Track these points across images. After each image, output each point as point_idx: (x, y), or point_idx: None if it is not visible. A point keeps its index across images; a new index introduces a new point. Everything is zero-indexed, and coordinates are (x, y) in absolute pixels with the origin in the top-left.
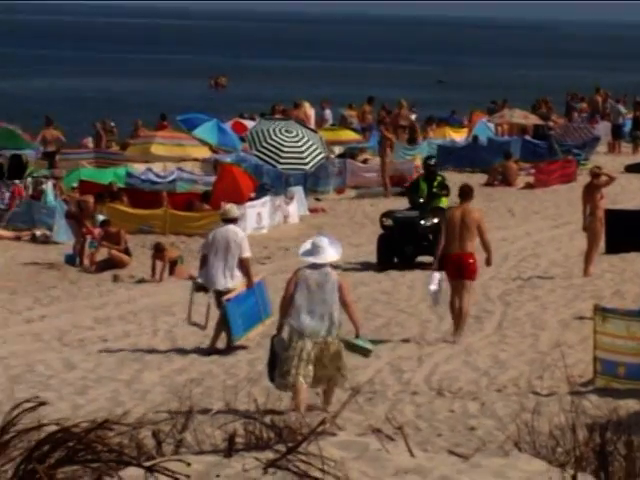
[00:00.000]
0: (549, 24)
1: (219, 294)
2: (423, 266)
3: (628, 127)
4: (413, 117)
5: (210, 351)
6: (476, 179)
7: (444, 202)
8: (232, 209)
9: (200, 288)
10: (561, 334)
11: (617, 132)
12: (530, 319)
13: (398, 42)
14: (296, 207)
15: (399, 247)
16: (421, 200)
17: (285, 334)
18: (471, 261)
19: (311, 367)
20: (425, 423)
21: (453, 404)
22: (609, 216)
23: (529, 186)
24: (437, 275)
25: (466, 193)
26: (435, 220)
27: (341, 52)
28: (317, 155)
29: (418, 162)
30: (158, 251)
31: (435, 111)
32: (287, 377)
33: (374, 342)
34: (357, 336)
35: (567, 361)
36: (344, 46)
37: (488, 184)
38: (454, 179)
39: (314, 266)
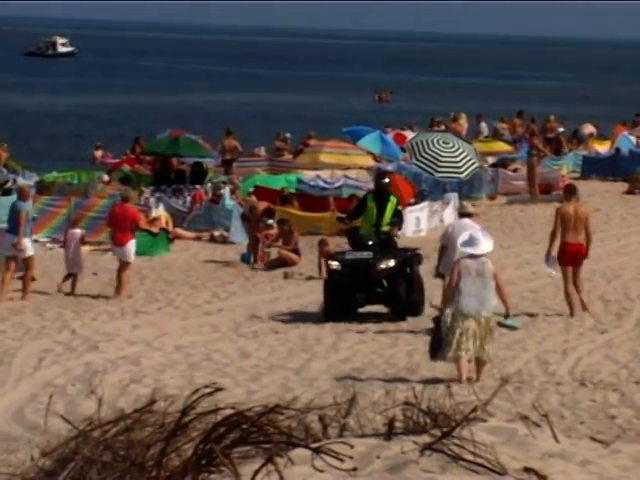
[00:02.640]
0: None
1: None
2: (377, 317)
3: None
4: (561, 130)
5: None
6: (617, 187)
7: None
8: (468, 205)
9: (439, 275)
10: None
11: None
12: None
13: (553, 60)
14: (452, 212)
15: (349, 295)
16: (368, 240)
17: (448, 317)
18: (583, 250)
19: (471, 343)
20: (569, 411)
21: (595, 394)
22: None
23: None
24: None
25: (573, 190)
26: (391, 263)
27: (497, 70)
28: (472, 164)
29: (564, 172)
30: (322, 245)
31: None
32: (452, 352)
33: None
34: (507, 316)
35: None
36: (501, 64)
37: (629, 192)
38: (597, 187)
39: (472, 256)
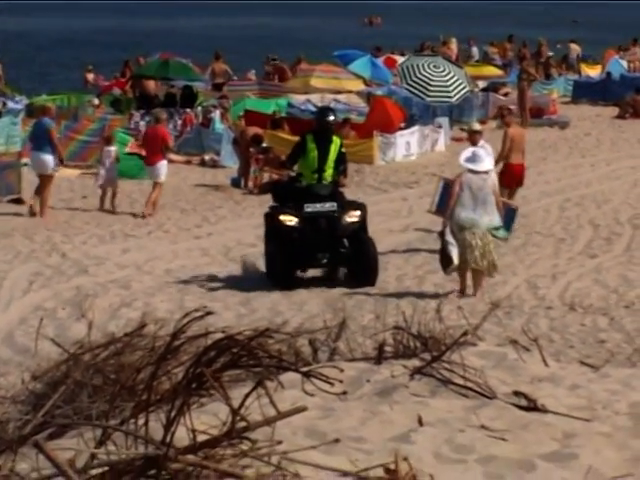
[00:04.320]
0: None
1: None
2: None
3: None
4: (550, 54)
5: None
6: (608, 112)
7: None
8: (476, 124)
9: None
10: None
11: None
12: None
13: None
14: (443, 136)
15: (308, 256)
16: (321, 189)
17: (449, 230)
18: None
19: (474, 254)
20: (558, 336)
21: (584, 319)
22: None
23: None
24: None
25: (511, 112)
26: (357, 216)
27: None
28: (462, 89)
29: (555, 96)
30: (268, 152)
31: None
32: (454, 264)
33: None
34: (499, 228)
35: None
36: None
37: (619, 117)
38: (589, 112)
39: (473, 172)
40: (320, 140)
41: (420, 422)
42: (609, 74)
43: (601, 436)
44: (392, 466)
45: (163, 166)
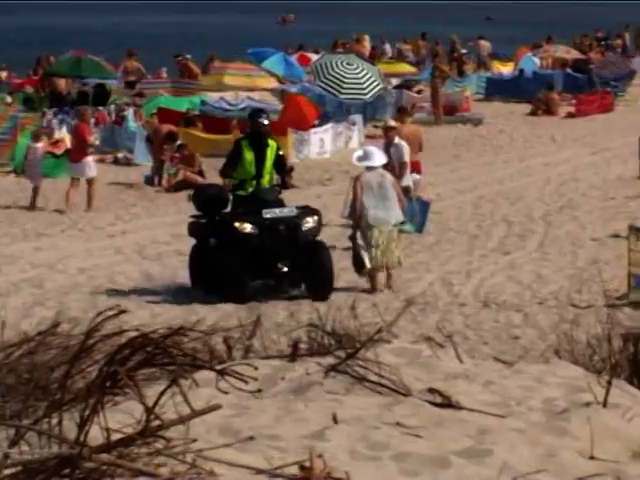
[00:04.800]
0: None
1: None
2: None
3: None
4: (463, 51)
5: None
6: (521, 109)
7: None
8: (390, 119)
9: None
10: (598, 251)
11: None
12: (569, 238)
13: None
14: (357, 134)
15: (269, 264)
16: (269, 194)
17: (360, 232)
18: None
19: (382, 252)
20: (472, 332)
21: (498, 315)
22: None
23: (570, 115)
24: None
25: (405, 111)
26: (314, 221)
27: None
28: (376, 86)
29: (468, 93)
30: (183, 149)
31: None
32: (368, 266)
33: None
34: (404, 222)
35: (603, 276)
36: None
37: (532, 114)
38: (501, 109)
39: (370, 169)
40: (255, 145)
41: (335, 419)
42: (521, 71)
43: (515, 432)
44: (307, 463)
45: (88, 162)
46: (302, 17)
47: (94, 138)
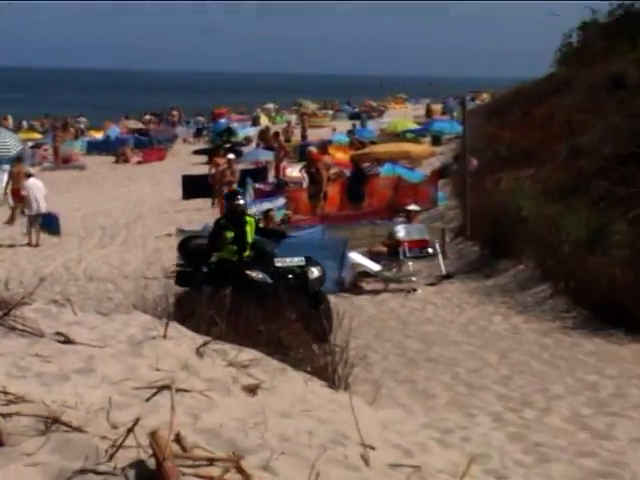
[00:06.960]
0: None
1: None
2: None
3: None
4: (82, 119)
5: None
6: (109, 159)
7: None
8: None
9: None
10: (158, 245)
11: (198, 132)
12: (141, 237)
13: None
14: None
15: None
16: (269, 247)
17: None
18: None
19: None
20: (83, 296)
21: (99, 285)
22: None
23: (139, 162)
24: None
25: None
26: (319, 271)
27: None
28: (16, 146)
29: (77, 150)
30: None
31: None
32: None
33: None
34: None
35: (162, 259)
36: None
37: (116, 162)
38: (97, 160)
39: None
40: (234, 224)
41: None
42: (108, 136)
43: (110, 357)
44: None
45: None
46: None
47: None
